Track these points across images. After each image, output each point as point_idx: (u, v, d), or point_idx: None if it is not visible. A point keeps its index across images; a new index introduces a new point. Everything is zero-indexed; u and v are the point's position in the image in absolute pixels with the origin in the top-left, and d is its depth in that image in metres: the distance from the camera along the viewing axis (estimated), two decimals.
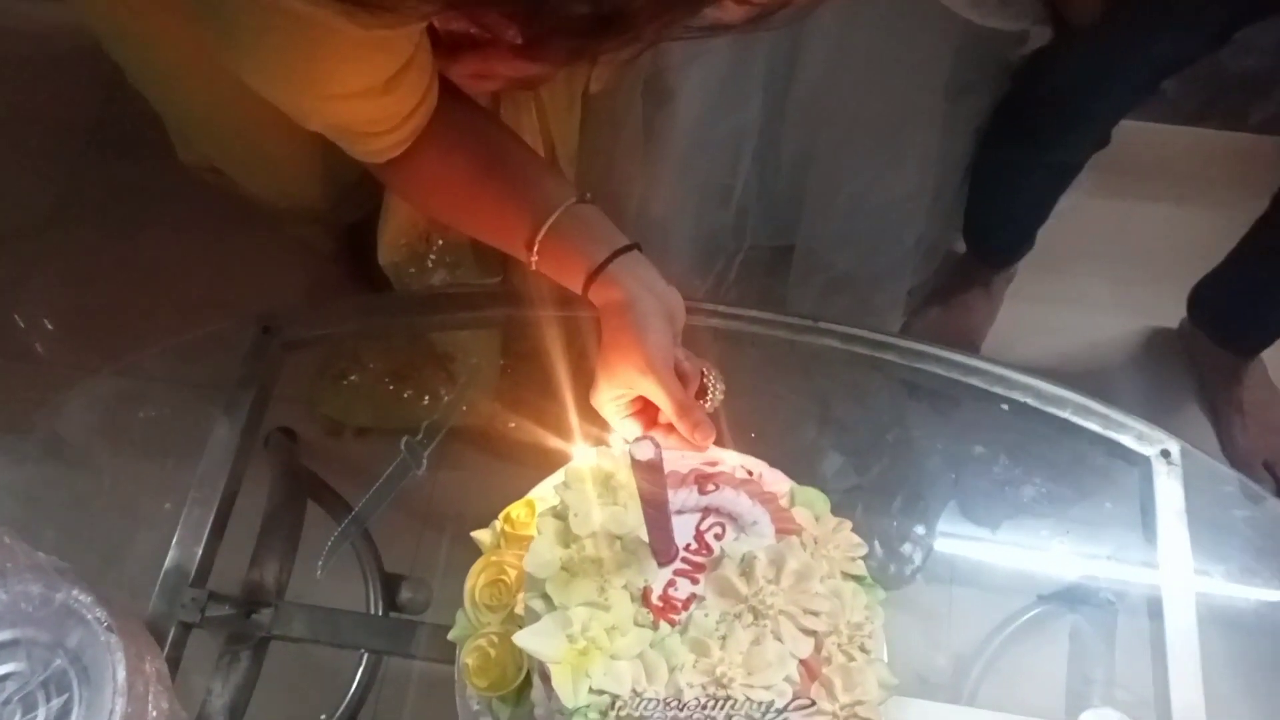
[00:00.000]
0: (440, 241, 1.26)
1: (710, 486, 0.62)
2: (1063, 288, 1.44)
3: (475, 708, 0.64)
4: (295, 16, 0.57)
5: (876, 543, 0.91)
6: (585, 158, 1.06)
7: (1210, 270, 1.29)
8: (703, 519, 0.62)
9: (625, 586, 0.58)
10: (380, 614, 0.95)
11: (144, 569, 0.81)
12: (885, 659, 0.67)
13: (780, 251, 1.25)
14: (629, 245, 0.72)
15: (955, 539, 0.99)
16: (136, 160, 1.42)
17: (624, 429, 0.70)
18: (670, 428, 0.67)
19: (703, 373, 0.71)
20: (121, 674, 0.65)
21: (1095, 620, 0.83)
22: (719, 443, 0.68)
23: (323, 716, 0.94)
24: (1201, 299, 1.33)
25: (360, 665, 0.95)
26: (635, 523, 0.58)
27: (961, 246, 1.39)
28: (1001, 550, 0.96)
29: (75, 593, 0.69)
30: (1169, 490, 0.82)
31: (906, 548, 0.90)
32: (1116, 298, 1.44)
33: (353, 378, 1.43)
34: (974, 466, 0.93)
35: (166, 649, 0.75)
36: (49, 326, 1.34)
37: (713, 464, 0.66)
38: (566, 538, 0.58)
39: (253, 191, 1.20)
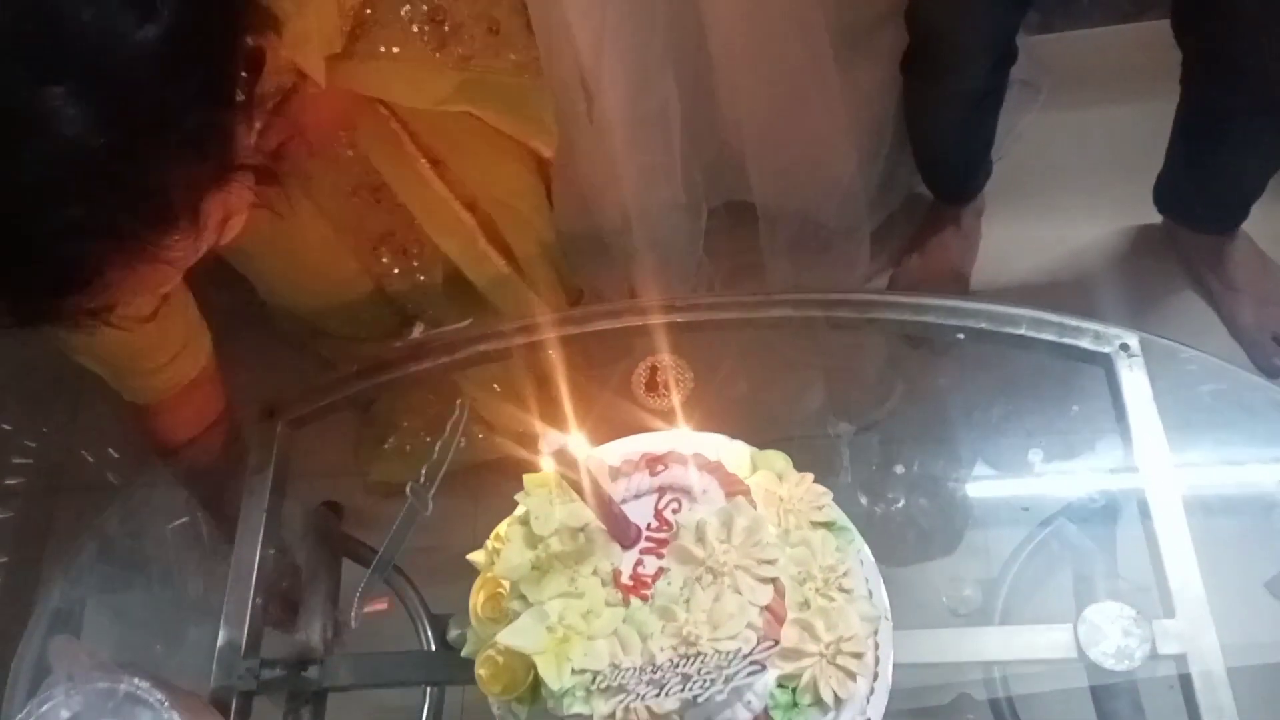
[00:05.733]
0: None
1: (660, 467, 0.67)
2: (1038, 205, 1.45)
3: (499, 714, 0.70)
4: None
5: (860, 494, 0.94)
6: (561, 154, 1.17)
7: (1162, 165, 1.29)
8: (660, 498, 0.66)
9: (595, 573, 0.63)
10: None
11: (205, 652, 0.89)
12: (878, 591, 0.71)
13: (747, 216, 1.30)
14: None
15: (939, 477, 1.02)
16: None
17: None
18: None
19: (654, 367, 0.76)
20: None
21: (1090, 524, 0.84)
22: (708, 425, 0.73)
23: None
24: (1163, 193, 1.33)
25: (425, 702, 1.00)
26: (591, 514, 0.63)
27: (927, 191, 1.42)
28: (988, 480, 0.98)
29: (136, 681, 0.76)
30: (1134, 382, 0.84)
31: (890, 494, 0.93)
32: (1093, 204, 1.44)
33: (391, 440, 1.49)
34: (946, 402, 0.95)
35: (233, 718, 0.83)
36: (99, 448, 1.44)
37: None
38: (533, 540, 0.63)
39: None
